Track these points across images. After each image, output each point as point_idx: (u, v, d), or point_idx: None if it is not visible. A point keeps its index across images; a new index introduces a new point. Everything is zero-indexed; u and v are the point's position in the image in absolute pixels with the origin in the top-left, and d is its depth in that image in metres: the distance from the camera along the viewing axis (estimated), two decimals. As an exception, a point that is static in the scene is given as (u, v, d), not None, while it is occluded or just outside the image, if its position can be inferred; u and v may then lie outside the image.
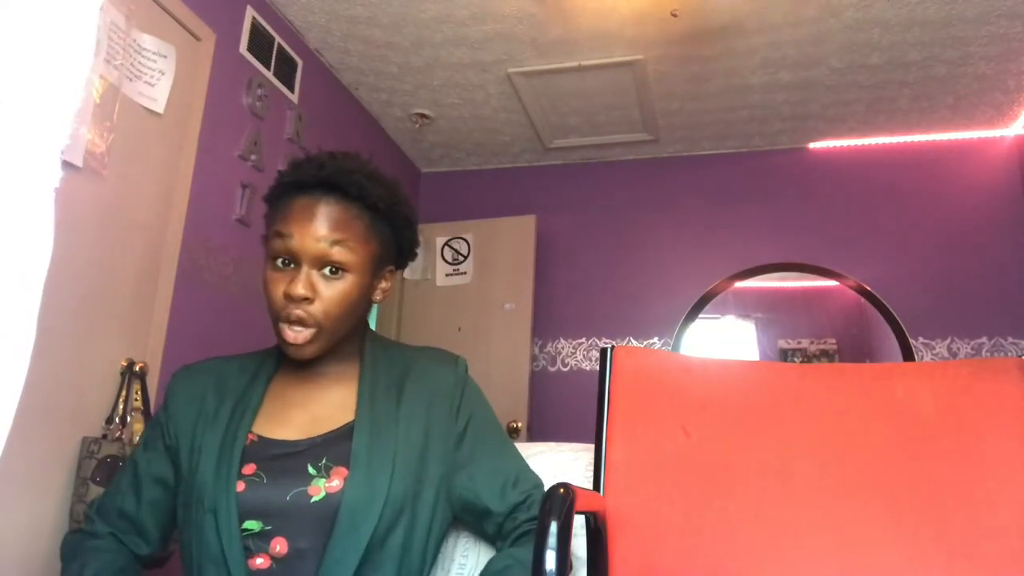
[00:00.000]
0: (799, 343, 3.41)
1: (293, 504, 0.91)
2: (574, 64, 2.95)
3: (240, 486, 0.92)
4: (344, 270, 0.96)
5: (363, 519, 0.91)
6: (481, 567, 1.03)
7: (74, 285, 1.76)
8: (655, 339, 3.55)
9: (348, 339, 1.03)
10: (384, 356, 1.07)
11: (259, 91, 2.55)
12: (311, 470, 0.94)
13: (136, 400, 1.89)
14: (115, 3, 1.83)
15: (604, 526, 1.04)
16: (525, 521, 1.00)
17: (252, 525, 0.91)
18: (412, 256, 1.10)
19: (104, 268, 1.86)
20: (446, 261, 3.67)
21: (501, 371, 3.37)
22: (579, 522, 1.06)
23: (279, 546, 0.90)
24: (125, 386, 1.88)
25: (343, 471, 0.93)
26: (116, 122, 1.84)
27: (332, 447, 0.96)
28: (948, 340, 3.25)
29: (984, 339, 3.21)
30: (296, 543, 0.90)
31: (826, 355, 3.36)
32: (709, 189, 3.67)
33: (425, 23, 2.72)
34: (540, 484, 1.05)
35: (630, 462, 1.09)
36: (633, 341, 3.56)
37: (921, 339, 3.26)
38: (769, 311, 3.50)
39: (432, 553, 0.99)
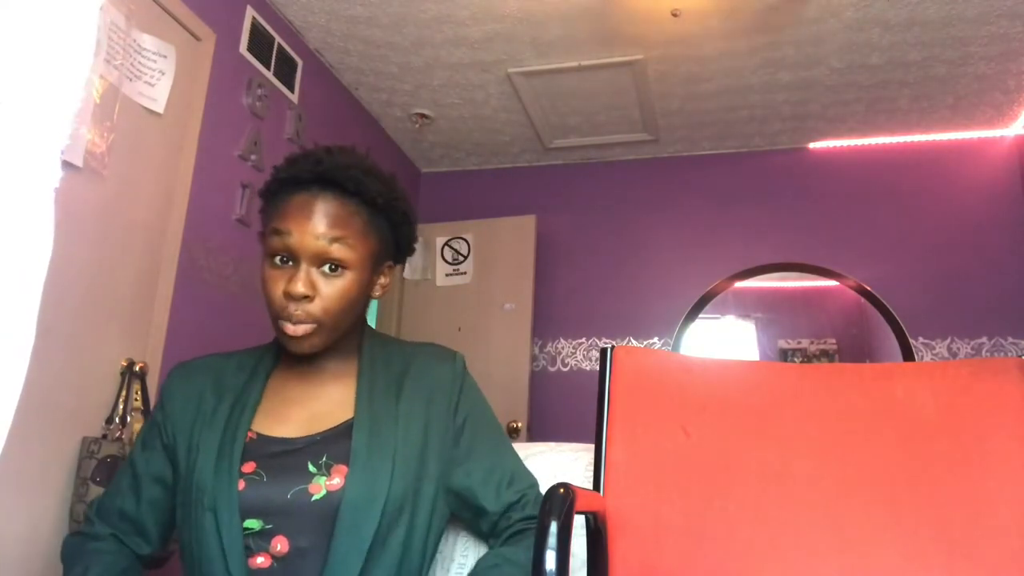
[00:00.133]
0: (799, 343, 3.41)
1: (294, 503, 0.91)
2: (574, 64, 2.95)
3: (240, 485, 0.91)
4: (343, 267, 0.95)
5: (364, 518, 0.90)
6: (481, 567, 1.03)
7: (74, 285, 1.76)
8: (655, 339, 3.55)
9: (347, 336, 1.02)
10: (382, 353, 1.07)
11: (259, 91, 2.55)
12: (311, 468, 0.93)
13: (136, 400, 1.89)
14: (115, 3, 1.83)
15: (604, 526, 1.04)
16: (518, 520, 1.00)
17: (252, 524, 0.91)
18: (411, 251, 1.09)
19: (104, 268, 1.86)
20: (446, 261, 3.67)
21: (501, 371, 3.37)
22: (579, 522, 1.06)
23: (280, 545, 0.90)
24: (125, 386, 1.88)
25: (344, 469, 0.93)
26: (116, 122, 1.84)
27: (332, 444, 0.95)
28: (948, 340, 3.25)
29: (984, 339, 3.21)
30: (297, 542, 0.90)
31: (826, 355, 3.36)
32: (709, 189, 3.67)
33: (425, 23, 2.72)
34: (535, 484, 1.05)
35: (630, 462, 1.09)
36: (633, 341, 3.56)
37: (921, 339, 3.26)
38: (769, 311, 3.50)
39: (432, 549, 0.99)
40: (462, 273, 3.63)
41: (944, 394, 1.08)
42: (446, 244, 3.69)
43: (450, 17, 2.68)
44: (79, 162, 1.72)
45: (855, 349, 3.39)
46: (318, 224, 0.93)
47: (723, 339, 3.48)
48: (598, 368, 1.19)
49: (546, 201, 3.80)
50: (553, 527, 0.74)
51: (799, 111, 3.29)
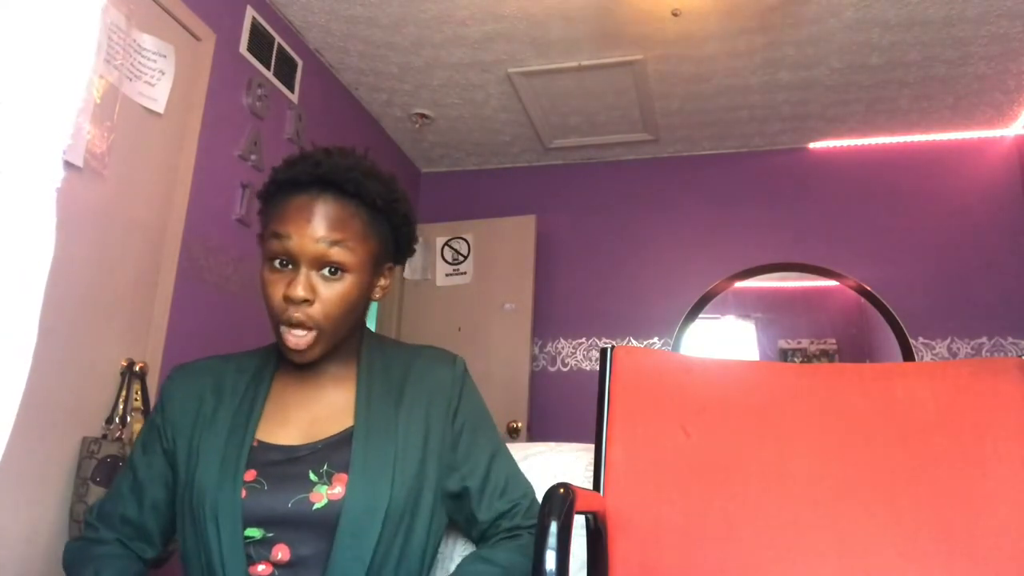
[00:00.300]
0: (799, 343, 3.41)
1: (295, 511, 0.90)
2: (574, 64, 2.95)
3: (241, 493, 0.91)
4: (343, 270, 0.94)
5: (366, 527, 0.90)
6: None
7: (74, 285, 1.76)
8: (655, 339, 3.55)
9: (347, 339, 1.02)
10: (381, 357, 1.06)
11: (259, 91, 2.55)
12: (313, 477, 0.93)
13: (136, 400, 1.89)
14: (115, 3, 1.83)
15: (604, 526, 1.04)
16: (506, 529, 1.00)
17: (253, 532, 0.90)
18: (411, 252, 1.08)
19: (104, 268, 1.86)
20: (446, 261, 3.67)
21: (501, 371, 3.37)
22: (579, 522, 1.06)
23: (281, 553, 0.89)
24: (125, 386, 1.88)
25: (345, 477, 0.92)
26: (116, 122, 1.84)
27: (333, 453, 0.95)
28: (948, 340, 3.25)
29: (984, 339, 3.21)
30: (298, 550, 0.90)
31: (826, 355, 3.36)
32: (709, 189, 3.67)
33: (425, 23, 2.72)
34: (529, 493, 1.05)
35: (630, 462, 1.09)
36: (633, 341, 3.56)
37: (921, 339, 3.27)
38: (769, 311, 3.50)
39: (432, 554, 0.99)
40: (462, 273, 3.63)
41: (944, 394, 1.08)
42: (446, 244, 3.69)
43: (450, 17, 2.68)
44: (79, 162, 1.72)
45: (855, 349, 3.39)
46: (317, 227, 0.92)
47: (723, 339, 3.48)
48: (598, 368, 1.18)
49: (546, 201, 3.80)
50: (553, 527, 0.74)
51: (799, 111, 3.29)
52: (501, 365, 3.39)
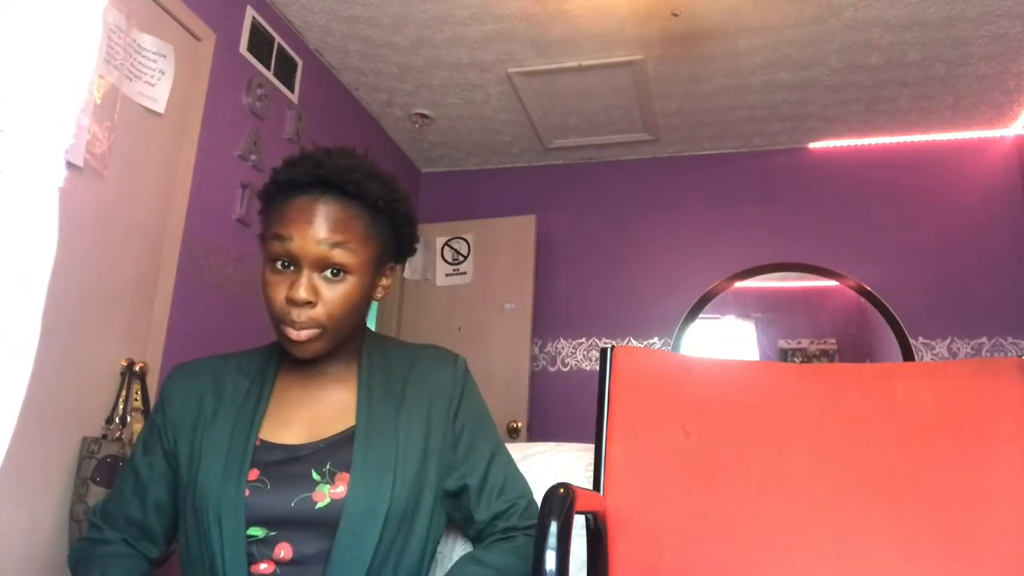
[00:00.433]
0: (799, 343, 3.41)
1: (298, 511, 0.90)
2: (574, 64, 2.95)
3: (244, 492, 0.91)
4: (346, 271, 0.94)
5: (366, 527, 0.90)
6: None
7: (74, 285, 1.76)
8: (655, 339, 3.55)
9: (349, 339, 1.02)
10: (382, 356, 1.06)
11: (259, 91, 2.55)
12: (315, 476, 0.93)
13: (136, 400, 1.89)
14: (115, 3, 1.83)
15: (604, 526, 1.04)
16: (502, 529, 1.00)
17: (256, 531, 0.90)
18: (412, 252, 1.08)
19: (104, 268, 1.86)
20: (446, 261, 3.67)
21: (501, 371, 3.37)
22: (579, 522, 1.06)
23: (283, 552, 0.90)
24: (125, 386, 1.88)
25: (347, 476, 0.92)
26: (116, 122, 1.84)
27: (335, 452, 0.95)
28: (948, 340, 3.25)
29: (984, 339, 3.21)
30: (301, 549, 0.90)
31: (826, 355, 3.36)
32: (709, 189, 3.67)
33: (425, 23, 2.72)
34: (526, 494, 1.05)
35: (630, 462, 1.09)
36: (633, 341, 3.56)
37: (921, 339, 3.27)
38: (769, 311, 3.50)
39: (431, 553, 0.99)
40: (462, 273, 3.63)
41: (944, 394, 1.08)
42: (446, 244, 3.69)
43: (450, 17, 2.68)
44: (80, 162, 1.73)
45: (855, 349, 3.40)
46: (319, 229, 0.92)
47: (723, 339, 3.48)
48: (598, 368, 1.18)
49: (546, 201, 3.80)
50: (553, 527, 0.74)
51: (799, 111, 3.29)
52: (501, 365, 3.39)
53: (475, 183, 3.99)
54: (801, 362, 3.34)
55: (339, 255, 0.93)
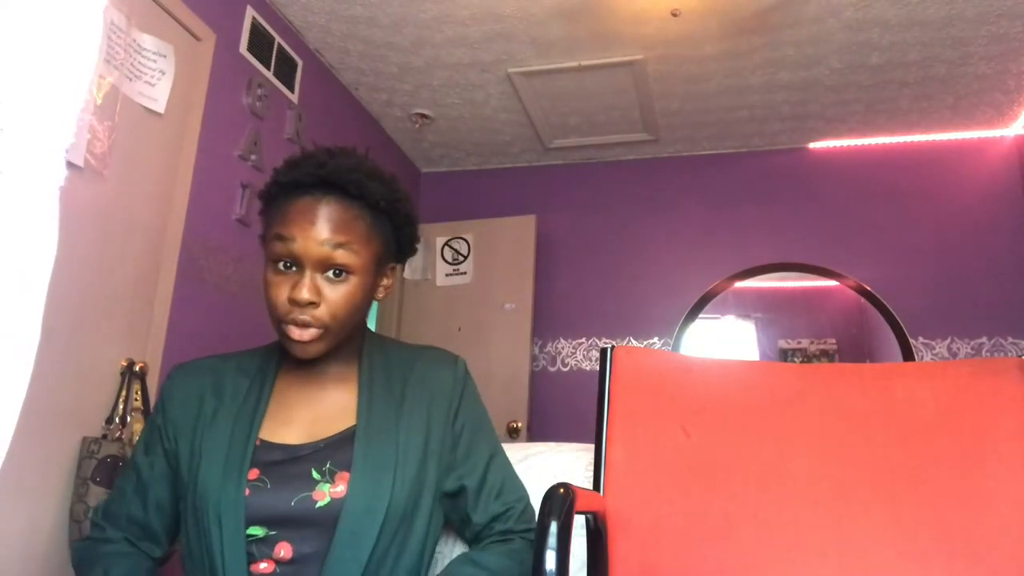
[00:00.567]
0: (799, 343, 3.41)
1: (298, 510, 0.90)
2: (574, 64, 2.95)
3: (244, 492, 0.91)
4: (348, 272, 0.94)
5: (365, 527, 0.90)
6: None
7: (74, 285, 1.76)
8: (655, 339, 3.55)
9: (349, 339, 1.02)
10: (382, 357, 1.06)
11: (259, 91, 2.55)
12: (315, 475, 0.93)
13: (136, 400, 1.89)
14: (115, 3, 1.83)
15: (604, 526, 1.04)
16: (499, 531, 1.01)
17: (256, 531, 0.90)
18: (412, 252, 1.08)
19: (104, 268, 1.87)
20: (446, 261, 3.67)
21: (501, 371, 3.37)
22: (579, 522, 1.06)
23: (283, 551, 0.90)
24: (125, 386, 1.88)
25: (347, 476, 0.93)
26: (117, 122, 1.84)
27: (336, 451, 0.95)
28: (948, 340, 3.25)
29: (984, 339, 3.21)
30: (301, 548, 0.90)
31: (826, 355, 3.36)
32: (709, 189, 3.67)
33: (425, 23, 2.72)
34: (524, 497, 1.05)
35: (630, 462, 1.09)
36: (633, 341, 3.56)
37: (921, 339, 3.27)
38: (769, 311, 3.50)
39: (430, 553, 0.99)
40: (462, 273, 3.64)
41: (944, 394, 1.08)
42: (446, 244, 3.69)
43: (450, 17, 2.68)
44: (80, 162, 1.73)
45: (855, 349, 3.40)
46: (322, 230, 0.92)
47: (723, 339, 3.48)
48: (598, 368, 1.19)
49: (546, 201, 3.80)
50: (553, 527, 0.74)
51: (799, 111, 3.29)
52: (501, 365, 3.39)
53: (475, 183, 3.99)
54: (801, 362, 3.34)
55: (342, 256, 0.93)
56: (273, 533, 0.90)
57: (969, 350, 3.22)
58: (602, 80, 3.07)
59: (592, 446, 1.14)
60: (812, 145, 3.59)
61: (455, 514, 1.03)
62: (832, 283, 3.39)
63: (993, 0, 2.49)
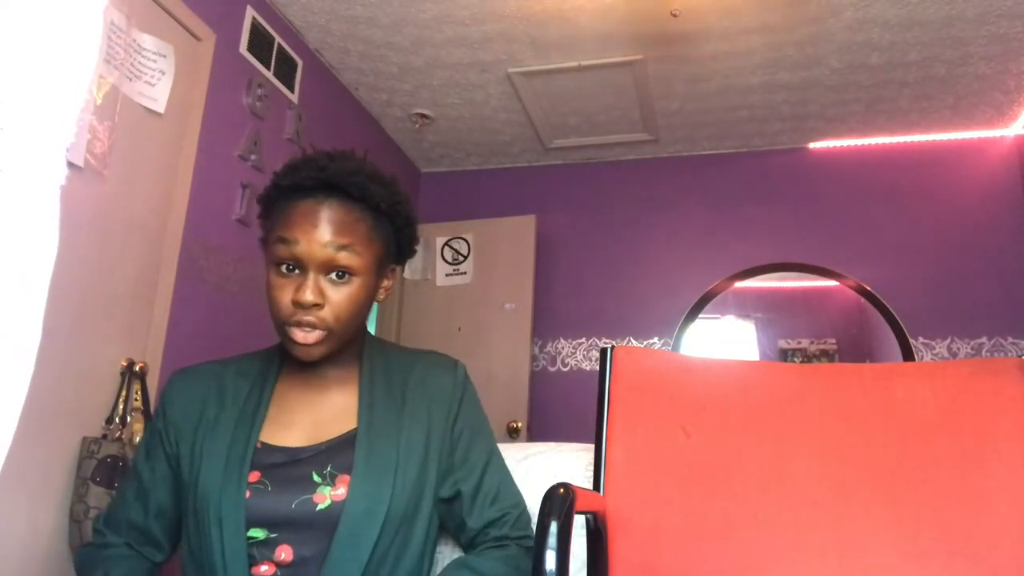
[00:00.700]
0: (799, 343, 3.41)
1: (299, 512, 0.91)
2: (574, 64, 2.95)
3: (245, 494, 0.91)
4: (351, 274, 0.95)
5: (365, 530, 0.90)
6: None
7: (74, 285, 1.76)
8: (655, 339, 3.55)
9: (350, 342, 1.02)
10: (383, 361, 1.06)
11: (259, 91, 2.55)
12: (316, 478, 0.93)
13: (136, 400, 1.89)
14: (115, 3, 1.83)
15: (604, 526, 1.04)
16: (494, 537, 1.00)
17: (257, 533, 0.91)
18: (412, 253, 1.09)
19: (104, 268, 1.87)
20: (446, 261, 3.67)
21: (501, 371, 3.37)
22: (579, 522, 1.06)
23: (284, 554, 0.90)
24: (125, 386, 1.88)
25: (348, 479, 0.93)
26: (117, 122, 1.84)
27: (337, 454, 0.95)
28: (948, 340, 3.25)
29: (984, 339, 3.21)
30: (301, 551, 0.90)
31: (826, 355, 3.36)
32: (709, 189, 3.67)
33: (425, 23, 2.72)
34: (519, 503, 1.05)
35: (630, 462, 1.09)
36: (633, 341, 3.56)
37: (921, 339, 3.27)
38: (769, 311, 3.50)
39: (430, 557, 1.00)
40: (462, 273, 3.63)
41: (944, 394, 1.08)
42: (446, 244, 3.69)
43: (450, 17, 2.68)
44: (80, 162, 1.73)
45: (855, 349, 3.40)
46: (324, 232, 0.93)
47: (723, 339, 3.48)
48: (598, 368, 1.19)
49: (546, 201, 3.80)
50: (553, 527, 0.74)
51: (799, 111, 3.29)
52: (501, 365, 3.39)
53: (475, 183, 3.99)
54: (801, 362, 3.34)
55: (344, 257, 0.93)
56: (274, 535, 0.90)
57: (969, 350, 3.22)
58: (602, 80, 3.07)
59: (592, 446, 1.14)
60: (812, 145, 3.59)
61: (450, 519, 1.03)
62: (832, 283, 3.39)
63: (993, 0, 2.49)
